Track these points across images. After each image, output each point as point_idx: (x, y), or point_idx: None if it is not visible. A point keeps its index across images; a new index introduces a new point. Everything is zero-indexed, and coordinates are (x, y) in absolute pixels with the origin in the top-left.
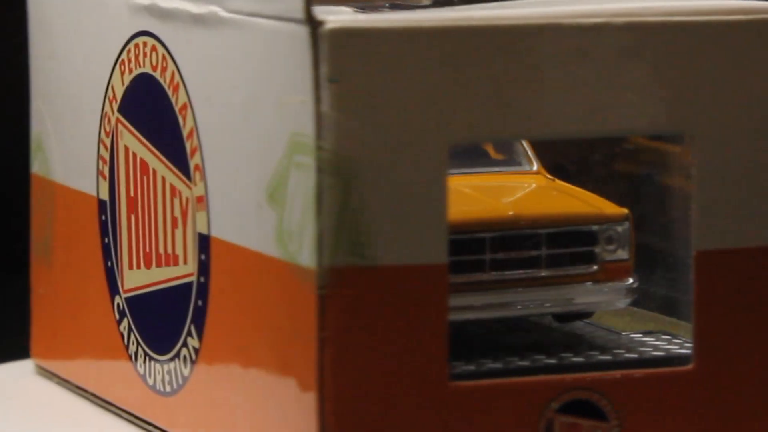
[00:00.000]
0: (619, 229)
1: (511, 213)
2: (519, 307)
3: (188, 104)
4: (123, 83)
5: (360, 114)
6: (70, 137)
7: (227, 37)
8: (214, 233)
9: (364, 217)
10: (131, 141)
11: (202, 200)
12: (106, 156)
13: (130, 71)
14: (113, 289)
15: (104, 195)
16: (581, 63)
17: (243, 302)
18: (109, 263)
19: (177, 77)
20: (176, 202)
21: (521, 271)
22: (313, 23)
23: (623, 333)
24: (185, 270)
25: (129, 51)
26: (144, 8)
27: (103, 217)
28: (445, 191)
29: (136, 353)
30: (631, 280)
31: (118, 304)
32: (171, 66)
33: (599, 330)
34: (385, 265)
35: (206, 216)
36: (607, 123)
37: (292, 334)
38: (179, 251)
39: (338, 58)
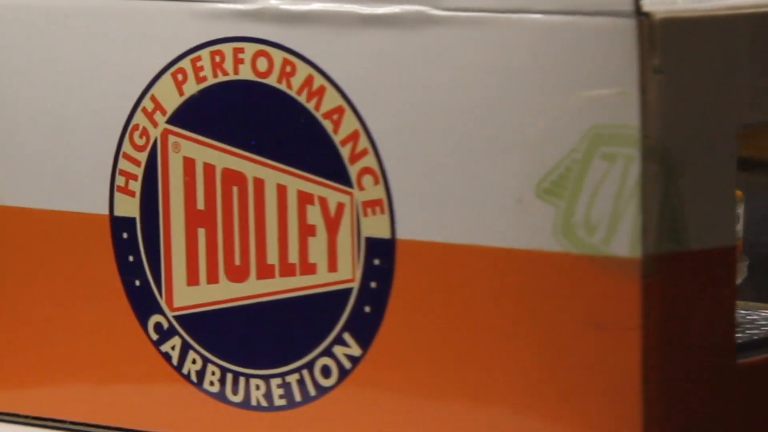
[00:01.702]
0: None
1: None
2: None
3: (345, 108)
4: (181, 93)
5: (681, 102)
6: (40, 158)
7: (447, 35)
8: (404, 236)
9: (682, 202)
10: (201, 152)
11: (378, 203)
12: (136, 171)
13: (200, 80)
14: (147, 309)
15: (128, 212)
16: None
17: (471, 304)
18: (137, 282)
19: (319, 81)
20: (313, 209)
21: None
22: (642, 15)
23: None
24: (334, 277)
25: (196, 59)
26: (242, 14)
27: (125, 235)
28: (735, 174)
29: (200, 372)
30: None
31: (158, 324)
32: (304, 71)
33: None
34: (695, 250)
35: (388, 219)
36: None
37: (586, 325)
38: (317, 259)
39: (667, 48)
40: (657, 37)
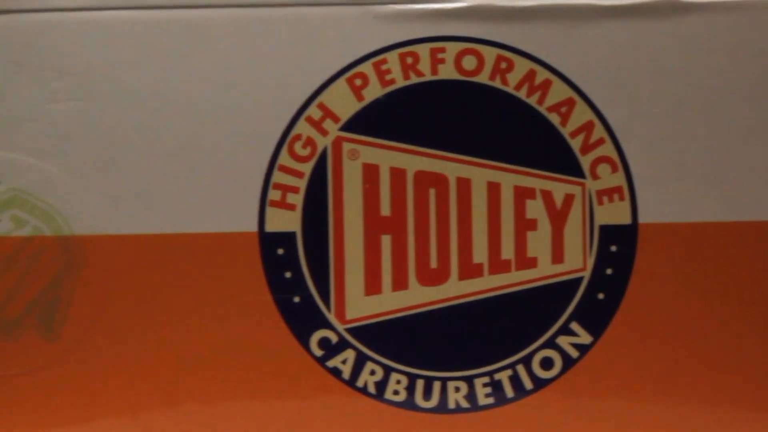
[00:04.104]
0: None
1: None
2: None
3: (576, 99)
4: (360, 99)
5: None
6: (173, 180)
7: (705, 21)
8: (647, 220)
9: None
10: (387, 157)
11: (617, 191)
12: (298, 183)
13: (386, 84)
14: (309, 325)
15: (285, 226)
16: None
17: (733, 283)
18: (297, 298)
19: (543, 75)
20: (534, 203)
21: None
22: None
23: None
24: (559, 268)
25: (380, 63)
26: (443, 13)
27: (281, 251)
28: None
29: (381, 382)
30: None
31: (324, 339)
32: (523, 66)
33: None
34: None
35: (628, 205)
36: None
37: None
38: (538, 252)
39: None
40: None
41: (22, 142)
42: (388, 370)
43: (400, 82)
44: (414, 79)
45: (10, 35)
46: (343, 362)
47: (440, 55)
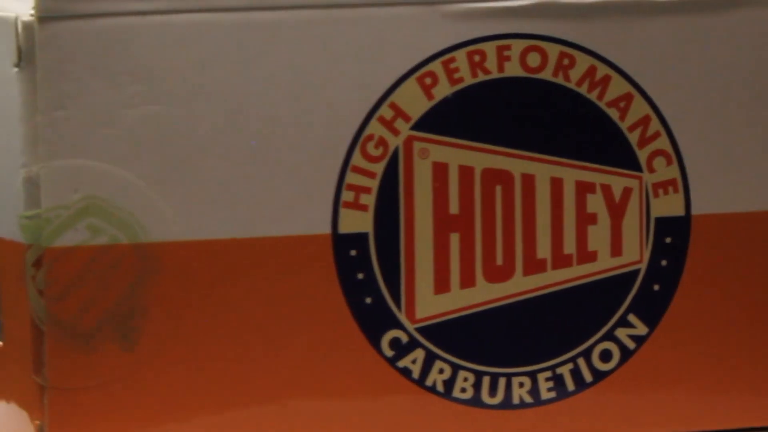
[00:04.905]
0: None
1: None
2: None
3: (634, 94)
4: (430, 97)
5: None
6: (246, 184)
7: (759, 16)
8: (699, 211)
9: None
10: (456, 155)
11: (672, 183)
12: (370, 184)
13: (455, 82)
14: (380, 326)
15: (358, 227)
16: None
17: None
18: (369, 299)
19: (603, 71)
20: (594, 198)
21: None
22: None
23: None
24: (617, 261)
25: (449, 61)
26: (508, 11)
27: (353, 252)
28: None
29: (449, 380)
30: None
31: (395, 339)
32: (584, 62)
33: None
34: None
35: (682, 197)
36: None
37: None
38: (598, 246)
39: None
40: None
41: (97, 148)
42: (455, 368)
43: (468, 80)
44: (481, 77)
45: (85, 40)
46: (413, 362)
47: (506, 53)
